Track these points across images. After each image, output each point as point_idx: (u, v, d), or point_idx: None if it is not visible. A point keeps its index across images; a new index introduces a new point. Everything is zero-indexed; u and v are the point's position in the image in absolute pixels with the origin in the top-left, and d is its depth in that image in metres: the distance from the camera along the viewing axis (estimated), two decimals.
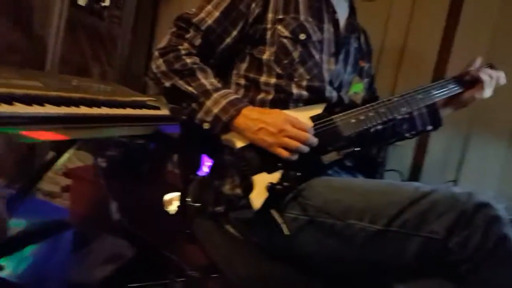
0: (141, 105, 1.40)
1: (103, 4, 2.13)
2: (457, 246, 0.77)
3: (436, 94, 1.10)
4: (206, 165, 1.16)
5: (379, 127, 1.22)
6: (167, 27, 1.07)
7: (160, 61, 1.01)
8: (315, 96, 1.03)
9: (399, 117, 1.19)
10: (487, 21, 1.70)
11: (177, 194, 1.22)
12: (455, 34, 1.75)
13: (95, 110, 1.19)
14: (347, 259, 0.89)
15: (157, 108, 1.43)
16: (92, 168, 1.63)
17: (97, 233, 1.48)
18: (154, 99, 1.48)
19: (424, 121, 1.21)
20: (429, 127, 1.22)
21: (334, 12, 1.10)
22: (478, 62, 1.16)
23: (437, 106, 1.19)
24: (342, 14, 1.13)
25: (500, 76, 1.15)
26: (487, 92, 1.14)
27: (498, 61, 1.21)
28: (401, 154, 1.75)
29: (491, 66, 1.18)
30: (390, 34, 1.86)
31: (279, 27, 1.03)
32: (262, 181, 0.93)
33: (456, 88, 1.14)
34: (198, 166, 1.17)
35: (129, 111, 1.31)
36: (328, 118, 1.01)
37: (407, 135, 1.24)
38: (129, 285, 1.30)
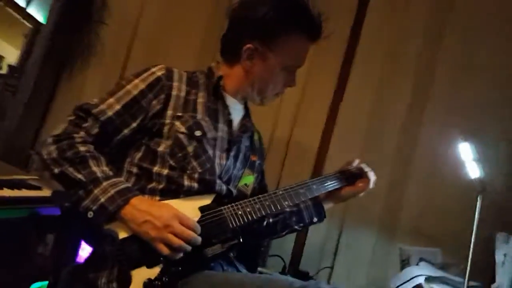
0: (21, 185, 1.30)
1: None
2: None
3: (316, 189, 1.20)
4: (83, 253, 1.09)
5: (270, 220, 1.29)
6: (64, 107, 1.07)
7: (53, 147, 0.99)
8: (205, 188, 1.07)
9: (288, 209, 1.28)
10: (360, 120, 1.99)
11: (45, 283, 1.12)
12: (333, 131, 2.01)
13: None
14: None
15: (39, 188, 1.34)
16: None
17: None
18: (36, 177, 1.39)
19: (310, 214, 1.30)
20: (315, 219, 1.31)
21: (229, 114, 1.20)
22: (357, 162, 1.32)
23: (320, 199, 1.31)
24: (237, 115, 1.24)
25: (373, 174, 1.30)
26: (369, 188, 1.27)
27: (369, 159, 1.38)
28: (283, 240, 1.85)
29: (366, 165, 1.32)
30: (278, 128, 2.05)
31: (177, 123, 1.09)
32: (140, 276, 0.91)
33: (335, 184, 1.26)
34: (74, 253, 1.10)
35: (6, 191, 1.21)
36: (216, 209, 1.05)
37: (296, 227, 1.31)
38: None
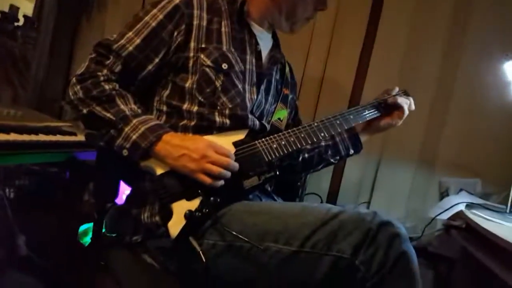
0: (56, 131, 1.32)
1: (16, 24, 2.02)
2: (363, 264, 0.82)
3: (353, 119, 1.16)
4: (124, 193, 1.12)
5: (306, 155, 1.28)
6: (87, 51, 1.04)
7: (78, 87, 0.98)
8: (237, 124, 1.05)
9: (324, 143, 1.27)
10: (396, 52, 1.88)
11: (91, 225, 1.16)
12: (369, 64, 1.91)
13: (3, 137, 1.11)
14: (263, 281, 0.90)
15: (73, 134, 1.36)
16: None
17: (1, 270, 1.34)
18: (70, 124, 1.41)
19: (346, 146, 1.27)
20: (351, 151, 1.28)
21: (257, 44, 1.14)
22: (395, 90, 1.25)
23: (357, 131, 1.27)
24: (265, 46, 1.17)
25: (412, 103, 1.24)
26: (405, 117, 1.21)
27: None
28: (319, 178, 1.86)
29: (406, 93, 1.26)
30: (310, 64, 1.97)
31: (202, 56, 1.04)
32: (181, 209, 0.92)
33: (372, 113, 1.21)
34: (115, 194, 1.12)
35: (41, 137, 1.23)
36: (250, 144, 1.03)
37: (332, 160, 1.29)
38: None
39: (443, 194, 1.77)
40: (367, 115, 1.20)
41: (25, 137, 1.17)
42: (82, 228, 1.39)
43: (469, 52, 1.79)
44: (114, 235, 1.09)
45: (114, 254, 1.05)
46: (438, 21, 1.84)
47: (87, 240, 1.36)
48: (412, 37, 1.87)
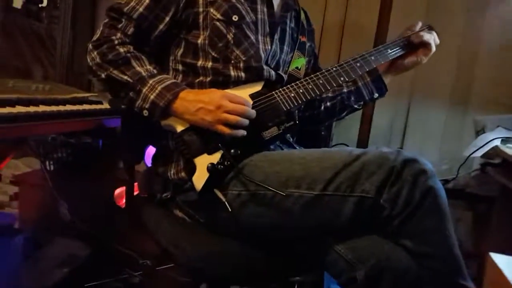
0: (82, 101, 1.37)
1: (40, 5, 2.07)
2: (387, 202, 0.82)
3: (375, 60, 1.11)
4: (150, 154, 1.15)
5: (328, 103, 1.24)
6: None
7: (95, 53, 1.00)
8: (253, 76, 1.04)
9: (346, 89, 1.23)
10: None
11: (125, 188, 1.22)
12: (392, 3, 1.80)
13: (33, 109, 1.16)
14: (288, 227, 0.92)
15: (99, 102, 1.40)
16: (39, 172, 1.59)
17: (49, 236, 1.45)
18: (96, 94, 1.45)
19: (370, 89, 1.22)
20: (376, 95, 1.22)
21: None
22: (419, 26, 1.17)
23: (380, 73, 1.21)
24: None
25: (436, 37, 1.16)
26: (431, 54, 1.15)
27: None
28: (347, 127, 1.82)
29: (430, 27, 1.18)
30: (330, 10, 1.89)
31: (211, 10, 1.03)
32: (203, 163, 0.94)
33: (395, 52, 1.14)
34: (142, 156, 1.16)
35: (69, 107, 1.28)
36: (267, 94, 1.02)
37: (356, 106, 1.25)
38: (85, 285, 1.28)
39: (479, 133, 1.69)
40: (390, 55, 1.14)
41: (53, 108, 1.22)
42: (117, 191, 1.46)
43: None
44: (146, 195, 1.14)
45: (147, 212, 1.11)
46: None
47: (122, 202, 1.43)
48: None
